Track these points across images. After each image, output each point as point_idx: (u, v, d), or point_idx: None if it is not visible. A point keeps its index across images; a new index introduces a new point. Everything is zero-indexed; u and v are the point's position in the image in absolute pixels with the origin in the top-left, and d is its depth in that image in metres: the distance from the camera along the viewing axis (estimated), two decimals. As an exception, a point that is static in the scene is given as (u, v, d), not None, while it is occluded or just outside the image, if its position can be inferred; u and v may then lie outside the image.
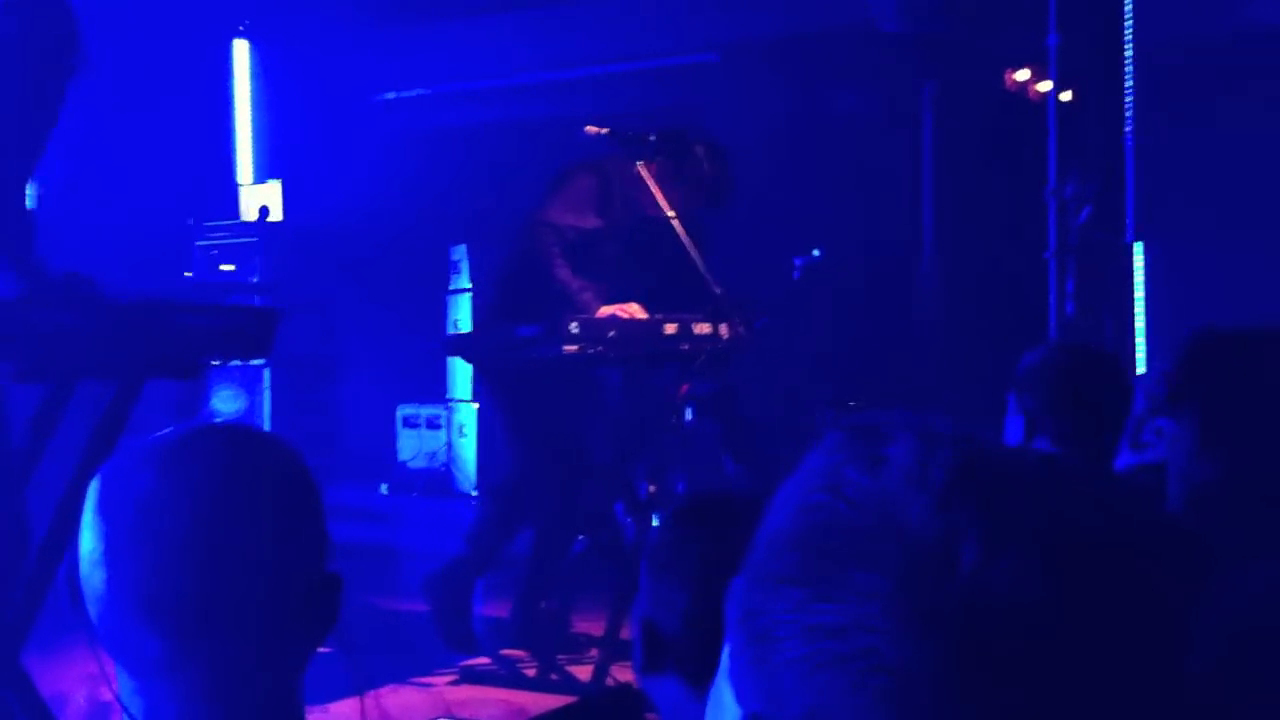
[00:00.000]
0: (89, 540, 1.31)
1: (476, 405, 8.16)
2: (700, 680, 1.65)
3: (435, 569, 5.07)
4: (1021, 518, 0.57)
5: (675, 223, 4.95)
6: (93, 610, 1.31)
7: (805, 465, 0.64)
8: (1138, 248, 6.73)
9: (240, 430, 1.40)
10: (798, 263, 5.99)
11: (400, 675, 4.73)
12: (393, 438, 8.85)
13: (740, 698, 0.65)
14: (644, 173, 4.98)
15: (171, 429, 1.37)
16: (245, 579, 1.29)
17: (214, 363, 3.56)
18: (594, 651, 4.69)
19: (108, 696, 1.38)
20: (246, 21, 9.18)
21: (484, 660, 5.04)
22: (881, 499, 0.58)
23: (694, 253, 4.88)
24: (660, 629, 1.68)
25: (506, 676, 4.80)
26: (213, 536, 1.28)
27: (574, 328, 4.39)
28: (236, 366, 7.90)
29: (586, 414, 5.09)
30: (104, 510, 1.31)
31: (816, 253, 5.98)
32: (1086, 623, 0.55)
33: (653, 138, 5.09)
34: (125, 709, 1.32)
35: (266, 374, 8.24)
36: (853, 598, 0.57)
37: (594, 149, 5.17)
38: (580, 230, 4.99)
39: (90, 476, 3.22)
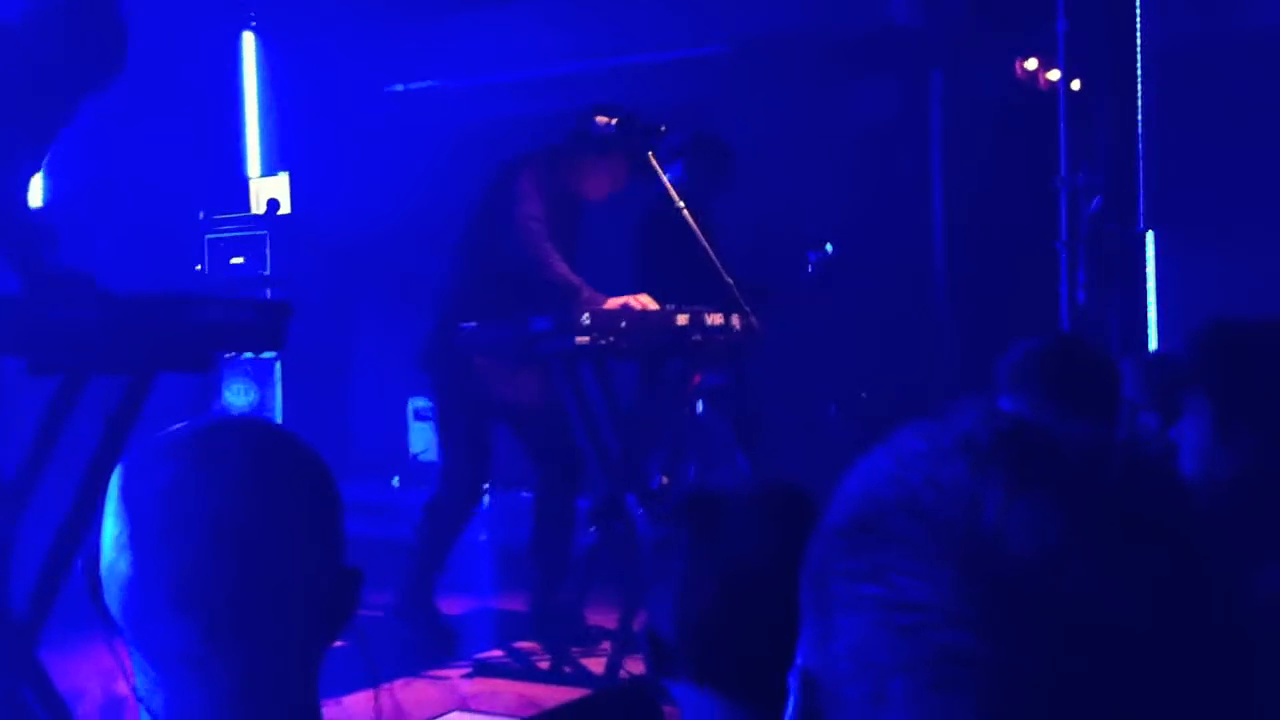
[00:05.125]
0: (112, 531, 1.30)
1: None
2: (706, 683, 1.63)
3: (395, 592, 5.13)
4: (1045, 473, 0.63)
5: (685, 213, 4.95)
6: (116, 602, 1.30)
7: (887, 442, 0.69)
8: (1149, 237, 6.71)
9: (262, 424, 1.40)
10: (811, 257, 5.98)
11: (414, 668, 4.73)
12: (404, 431, 8.84)
13: (801, 651, 0.70)
14: (654, 163, 4.99)
15: (191, 422, 1.36)
16: (275, 572, 1.29)
17: (226, 355, 3.57)
18: (607, 644, 4.69)
19: (124, 691, 1.38)
20: (255, 14, 9.17)
21: (497, 653, 5.05)
22: (933, 460, 0.64)
23: (705, 243, 4.88)
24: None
25: (520, 669, 4.81)
26: (244, 529, 1.27)
27: (586, 319, 4.38)
28: (248, 360, 7.90)
29: (543, 413, 5.12)
30: (129, 502, 1.30)
31: (829, 247, 5.96)
32: (1098, 566, 0.59)
33: (663, 129, 5.12)
34: (144, 703, 1.32)
35: (278, 367, 8.24)
36: (891, 545, 0.62)
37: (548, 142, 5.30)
38: (543, 223, 5.06)
39: (105, 469, 3.21)
